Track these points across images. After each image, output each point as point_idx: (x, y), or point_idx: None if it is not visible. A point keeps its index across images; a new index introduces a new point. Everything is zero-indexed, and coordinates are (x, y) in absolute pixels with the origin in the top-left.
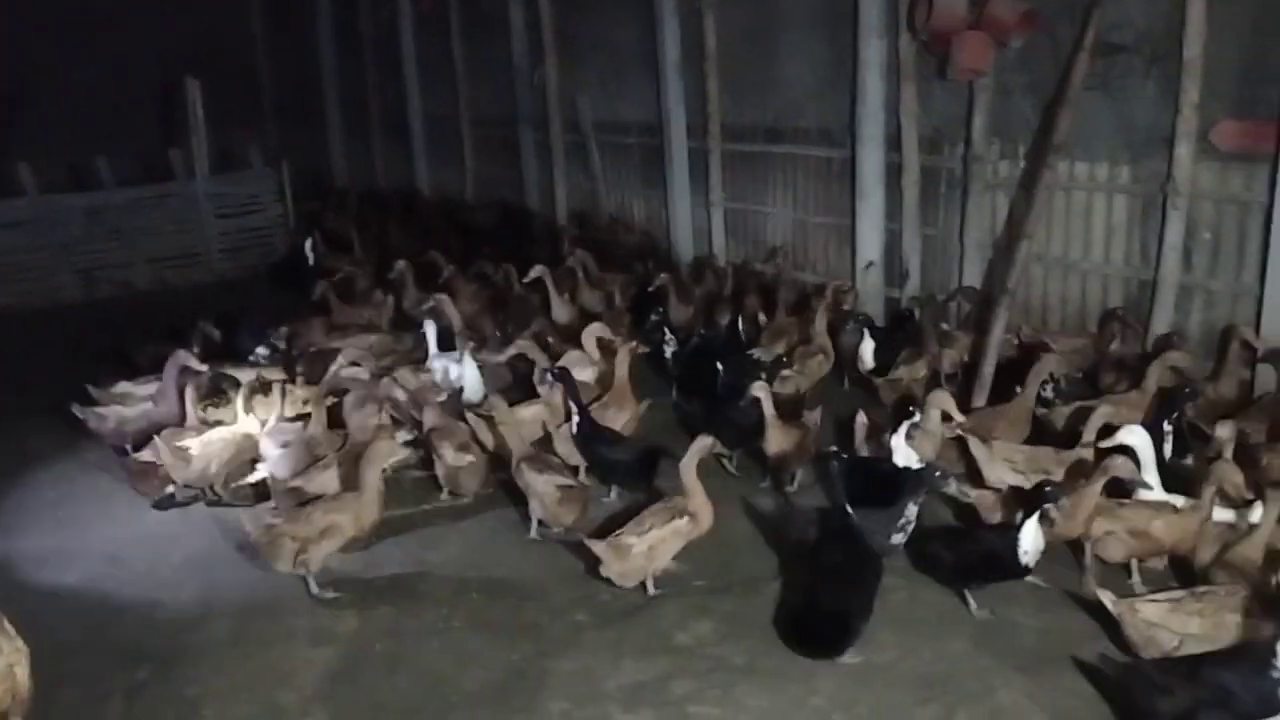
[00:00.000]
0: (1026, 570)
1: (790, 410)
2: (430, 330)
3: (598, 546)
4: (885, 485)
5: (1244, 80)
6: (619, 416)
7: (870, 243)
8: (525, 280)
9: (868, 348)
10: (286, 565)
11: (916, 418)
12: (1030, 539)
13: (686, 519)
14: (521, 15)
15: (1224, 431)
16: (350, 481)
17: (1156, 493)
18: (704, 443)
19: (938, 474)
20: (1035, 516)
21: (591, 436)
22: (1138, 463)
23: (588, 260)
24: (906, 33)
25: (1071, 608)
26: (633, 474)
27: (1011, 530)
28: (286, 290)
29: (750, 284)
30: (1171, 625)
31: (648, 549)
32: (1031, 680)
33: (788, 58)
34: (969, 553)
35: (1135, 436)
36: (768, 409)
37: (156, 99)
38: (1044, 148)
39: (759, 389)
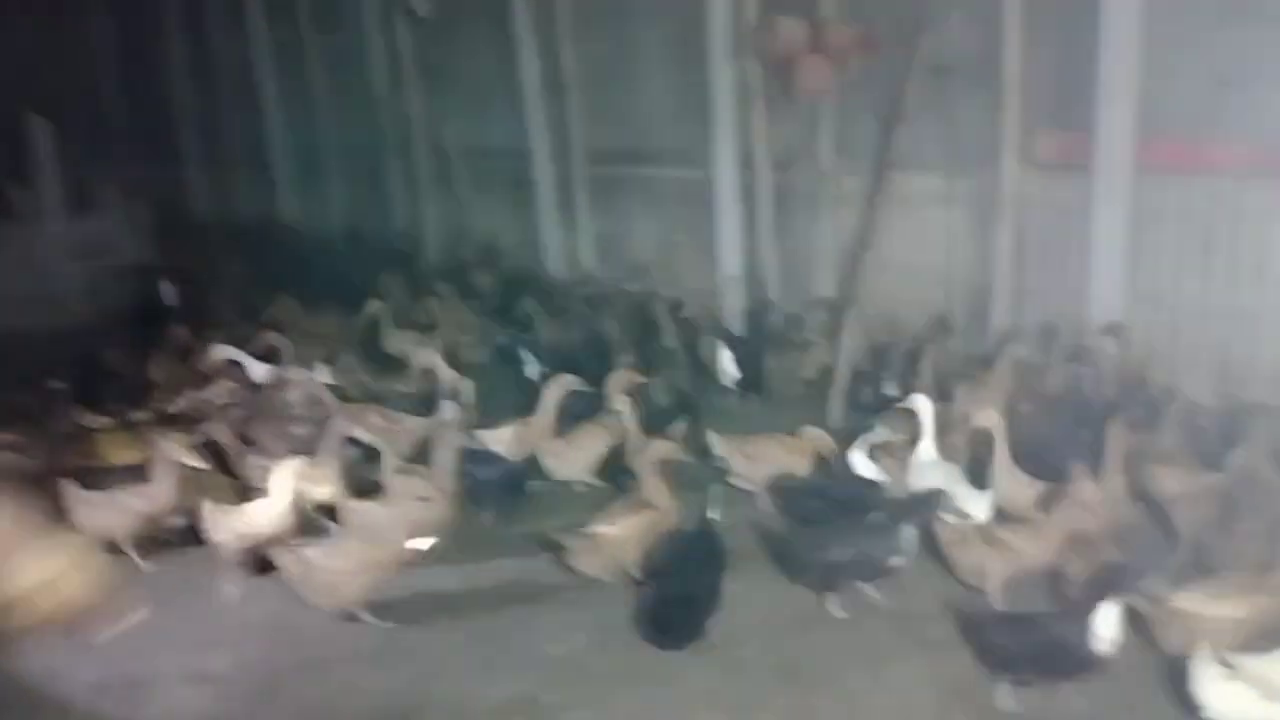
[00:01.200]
0: (1099, 663)
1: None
2: (243, 355)
3: (569, 538)
4: (846, 503)
5: (1058, 94)
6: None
7: (730, 259)
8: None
9: (726, 358)
10: (323, 601)
11: (877, 433)
12: (1107, 625)
13: (653, 511)
14: (381, 45)
15: (985, 419)
16: None
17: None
18: (663, 445)
19: (942, 497)
20: (1115, 601)
21: (468, 456)
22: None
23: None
24: (753, 58)
25: (922, 594)
26: (501, 494)
27: (1083, 616)
28: (145, 333)
29: (621, 303)
30: (1210, 613)
31: (620, 539)
32: (881, 665)
33: (645, 83)
34: (1032, 643)
35: (918, 402)
36: (631, 424)
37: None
38: (882, 164)
39: (619, 403)
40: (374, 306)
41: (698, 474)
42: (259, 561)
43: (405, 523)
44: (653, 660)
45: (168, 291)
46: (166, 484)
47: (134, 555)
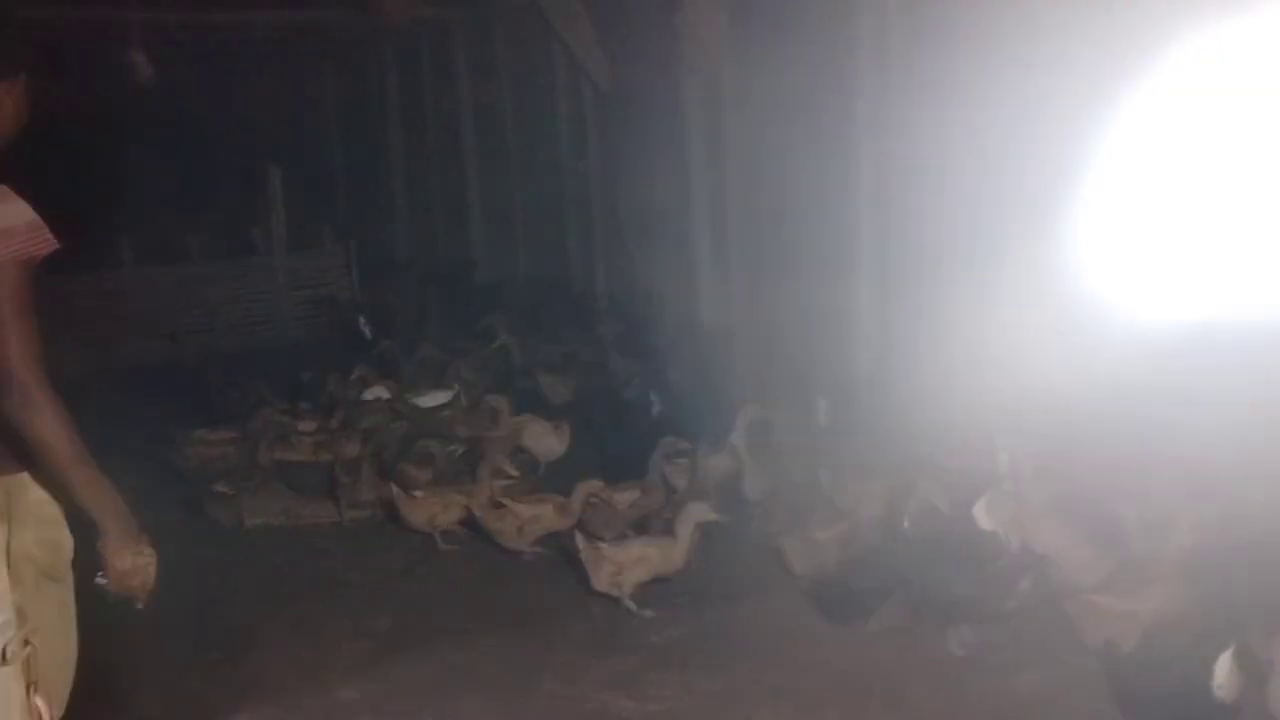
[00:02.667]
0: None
1: None
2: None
3: (786, 541)
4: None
5: None
6: None
7: (863, 318)
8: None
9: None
10: (601, 584)
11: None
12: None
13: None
14: (567, 111)
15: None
16: None
17: None
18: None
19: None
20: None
21: None
22: None
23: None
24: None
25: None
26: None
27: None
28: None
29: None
30: None
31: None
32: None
33: (794, 153)
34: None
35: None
36: (746, 456)
37: (240, 183)
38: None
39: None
40: (502, 340)
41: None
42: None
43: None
44: (732, 657)
45: (364, 323)
46: (486, 485)
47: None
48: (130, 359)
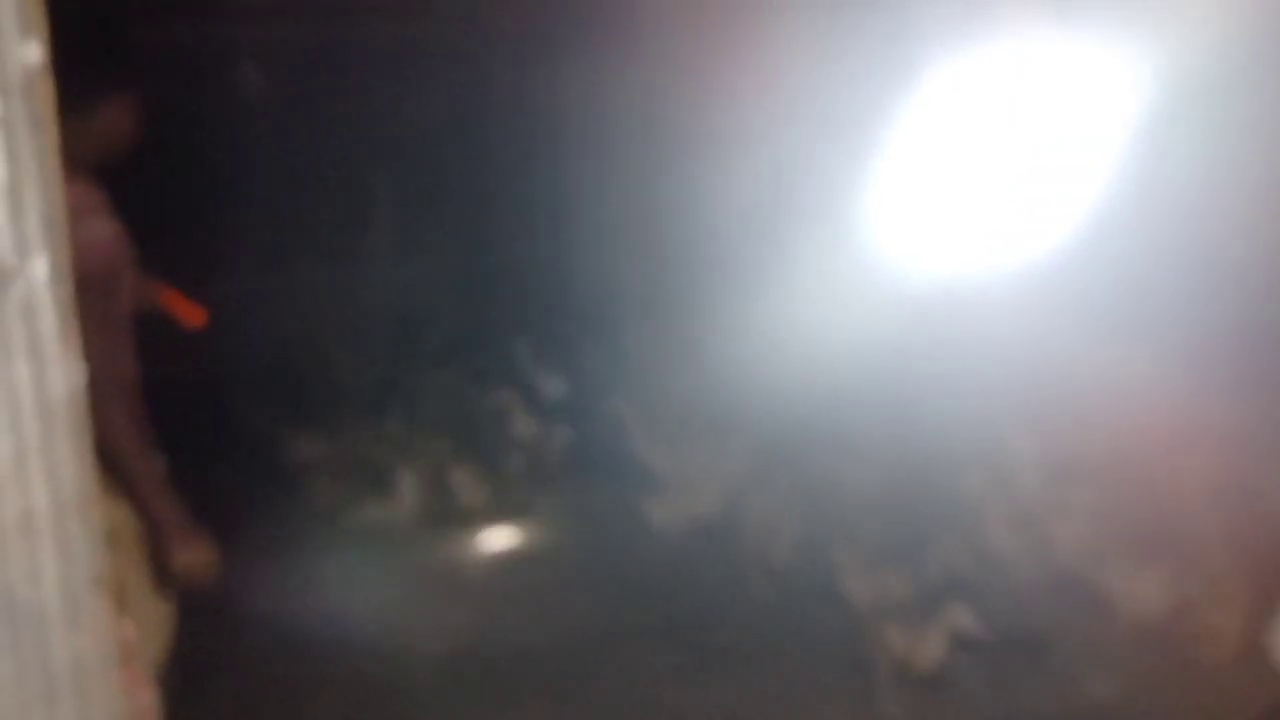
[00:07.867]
0: None
1: None
2: None
3: None
4: None
5: None
6: None
7: None
8: None
9: None
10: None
11: None
12: None
13: None
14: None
15: None
16: None
17: None
18: None
19: None
20: None
21: None
22: None
23: None
24: None
25: None
26: None
27: None
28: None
29: None
30: None
31: None
32: None
33: None
34: None
35: None
36: None
37: (349, 192)
38: None
39: None
40: None
41: None
42: None
43: None
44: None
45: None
46: None
47: None
48: (240, 361)
